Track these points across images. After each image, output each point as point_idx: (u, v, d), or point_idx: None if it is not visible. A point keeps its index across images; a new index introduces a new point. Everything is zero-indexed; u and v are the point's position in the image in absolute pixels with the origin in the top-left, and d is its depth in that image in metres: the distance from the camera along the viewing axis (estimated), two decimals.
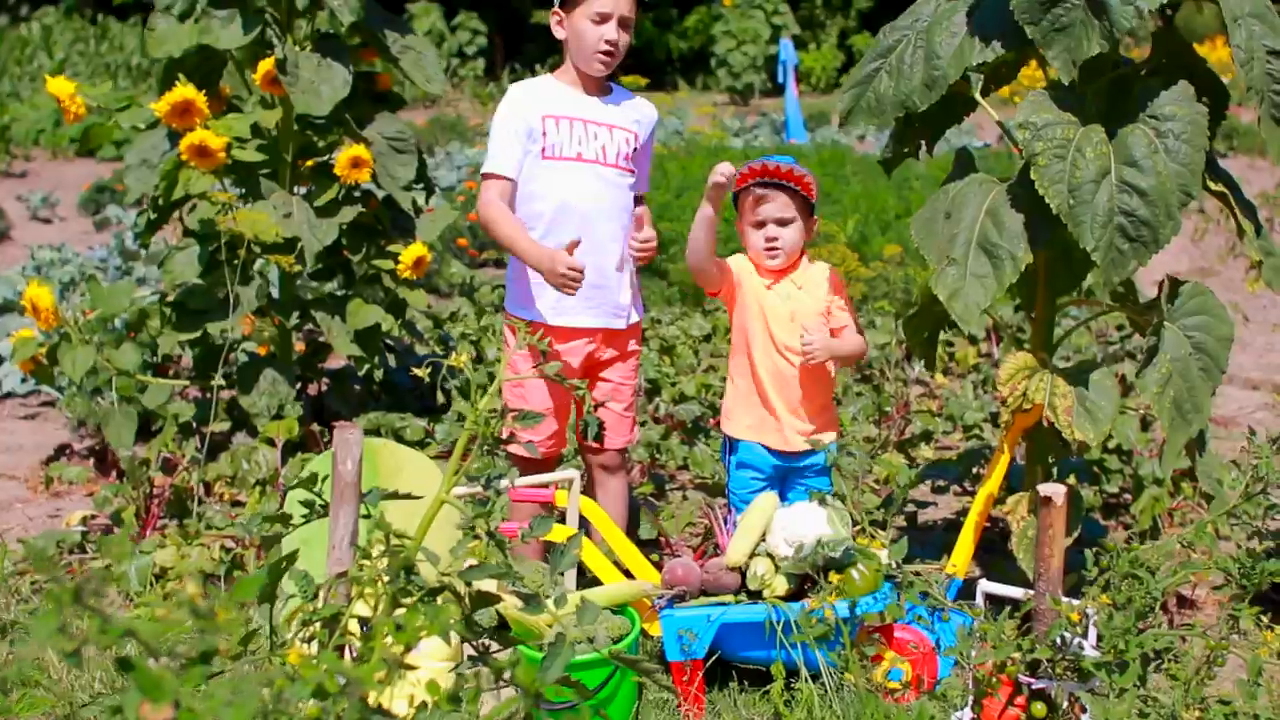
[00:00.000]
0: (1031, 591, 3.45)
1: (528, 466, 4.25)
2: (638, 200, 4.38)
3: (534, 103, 4.20)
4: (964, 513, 5.35)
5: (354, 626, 2.34)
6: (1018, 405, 3.78)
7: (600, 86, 4.32)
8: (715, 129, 17.88)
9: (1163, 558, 2.57)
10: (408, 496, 2.44)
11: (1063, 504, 2.57)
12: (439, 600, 2.24)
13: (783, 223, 4.12)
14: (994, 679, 2.44)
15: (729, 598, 3.81)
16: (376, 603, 2.28)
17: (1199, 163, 3.60)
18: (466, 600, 2.30)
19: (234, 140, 5.23)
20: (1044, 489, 2.61)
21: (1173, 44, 3.97)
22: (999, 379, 3.81)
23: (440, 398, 6.16)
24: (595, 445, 4.37)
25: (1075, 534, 3.92)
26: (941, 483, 5.29)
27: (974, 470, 5.26)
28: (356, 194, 5.45)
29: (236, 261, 5.12)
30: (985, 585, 3.62)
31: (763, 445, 4.18)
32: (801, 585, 3.81)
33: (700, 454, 5.66)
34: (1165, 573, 2.56)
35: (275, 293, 5.79)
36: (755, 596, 3.81)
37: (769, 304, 4.15)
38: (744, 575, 3.83)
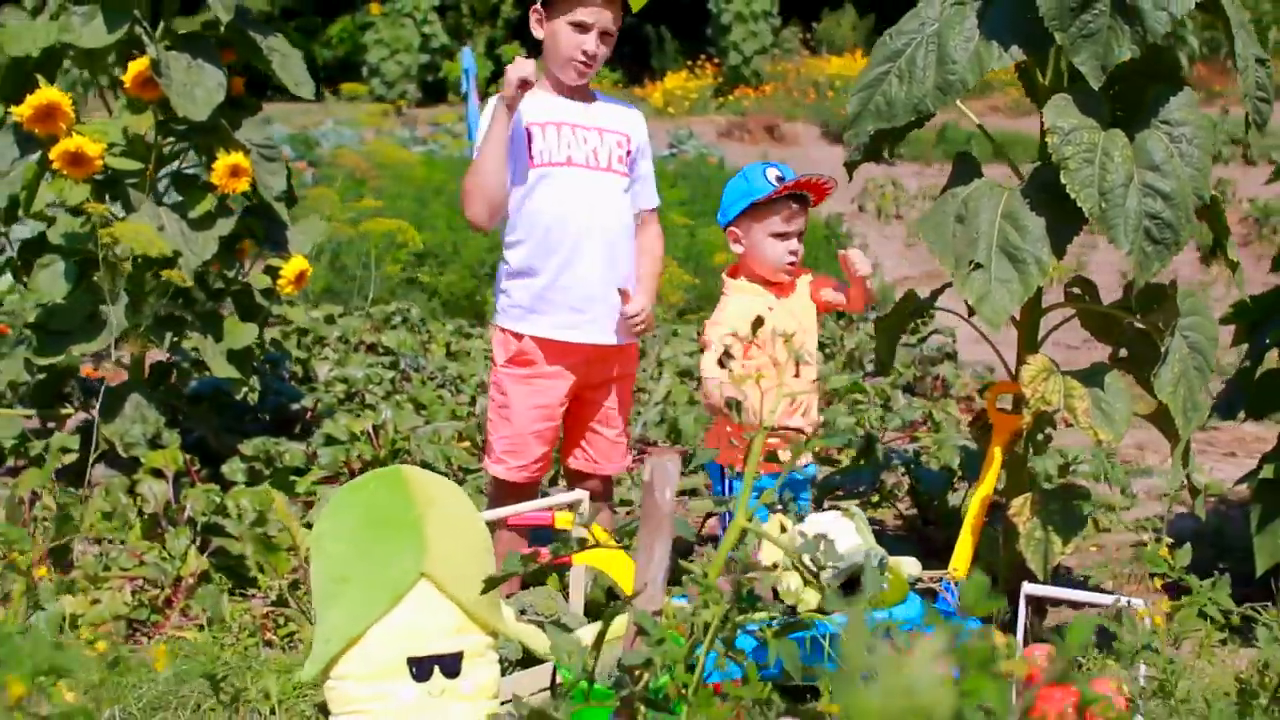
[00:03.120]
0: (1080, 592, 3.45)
1: (508, 492, 4.04)
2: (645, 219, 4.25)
3: (518, 110, 3.98)
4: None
5: None
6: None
7: (582, 92, 4.14)
8: (387, 141, 17.54)
9: None
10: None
11: None
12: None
13: (801, 236, 4.08)
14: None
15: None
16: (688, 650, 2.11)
17: (1208, 166, 3.70)
18: None
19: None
20: None
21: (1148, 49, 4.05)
22: (1022, 381, 3.81)
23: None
24: (582, 470, 4.17)
25: (1080, 534, 3.97)
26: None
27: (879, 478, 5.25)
28: (230, 205, 5.05)
29: (117, 279, 4.67)
30: (1028, 588, 3.62)
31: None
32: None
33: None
34: None
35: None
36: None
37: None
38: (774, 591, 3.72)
